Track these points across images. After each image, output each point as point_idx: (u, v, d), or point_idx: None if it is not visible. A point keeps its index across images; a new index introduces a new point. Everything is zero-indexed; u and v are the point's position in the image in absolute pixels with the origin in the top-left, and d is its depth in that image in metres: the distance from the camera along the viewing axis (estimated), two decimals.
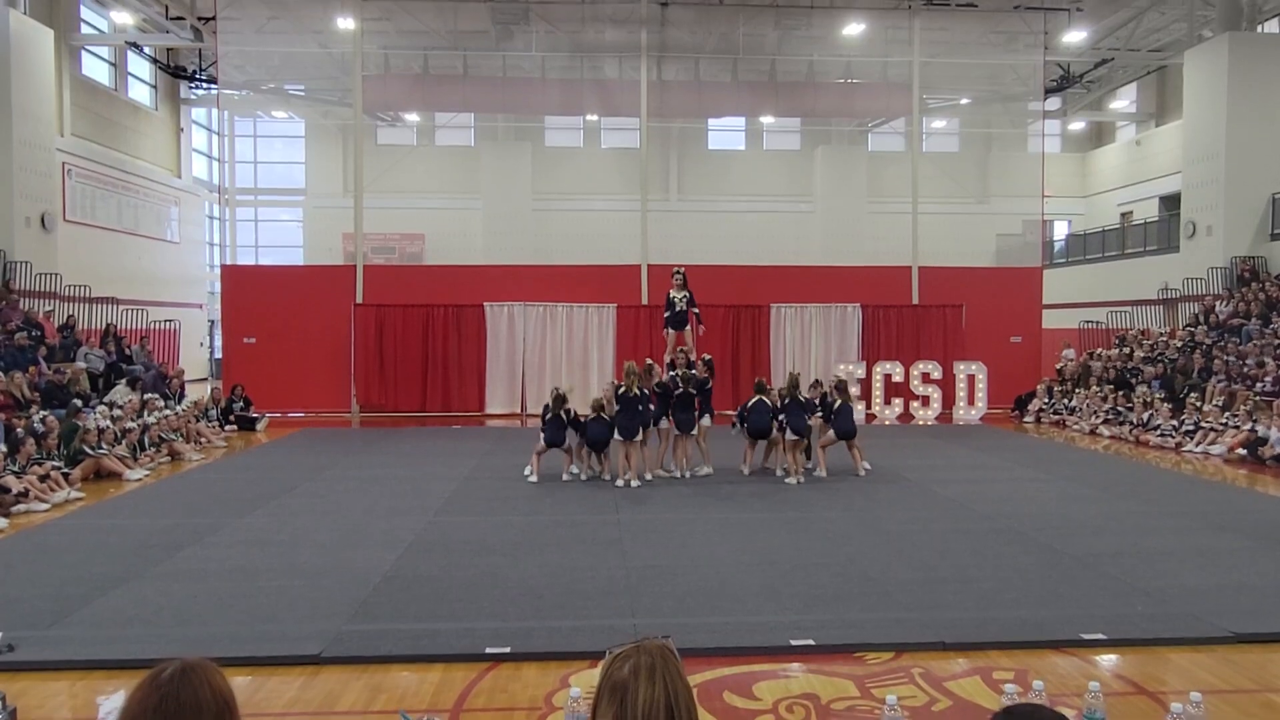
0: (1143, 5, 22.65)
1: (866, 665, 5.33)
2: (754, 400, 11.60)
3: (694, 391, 11.44)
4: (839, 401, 11.74)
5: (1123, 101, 31.12)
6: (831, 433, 11.77)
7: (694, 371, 11.60)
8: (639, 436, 11.04)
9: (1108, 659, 5.47)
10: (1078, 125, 32.56)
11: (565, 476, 11.28)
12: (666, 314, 13.44)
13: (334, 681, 5.12)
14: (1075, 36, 22.72)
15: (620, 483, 10.95)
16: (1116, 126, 32.11)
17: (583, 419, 11.27)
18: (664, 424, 11.58)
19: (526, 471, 11.35)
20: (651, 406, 11.29)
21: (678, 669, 1.98)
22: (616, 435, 11.01)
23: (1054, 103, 28.19)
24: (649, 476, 11.26)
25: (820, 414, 11.93)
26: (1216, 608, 6.14)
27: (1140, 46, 25.03)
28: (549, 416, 11.20)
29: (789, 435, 11.27)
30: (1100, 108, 30.97)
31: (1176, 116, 25.26)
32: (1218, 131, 20.71)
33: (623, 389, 11.01)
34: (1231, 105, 20.38)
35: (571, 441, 11.37)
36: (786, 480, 11.14)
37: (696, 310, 13.29)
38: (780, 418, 11.38)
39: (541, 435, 11.22)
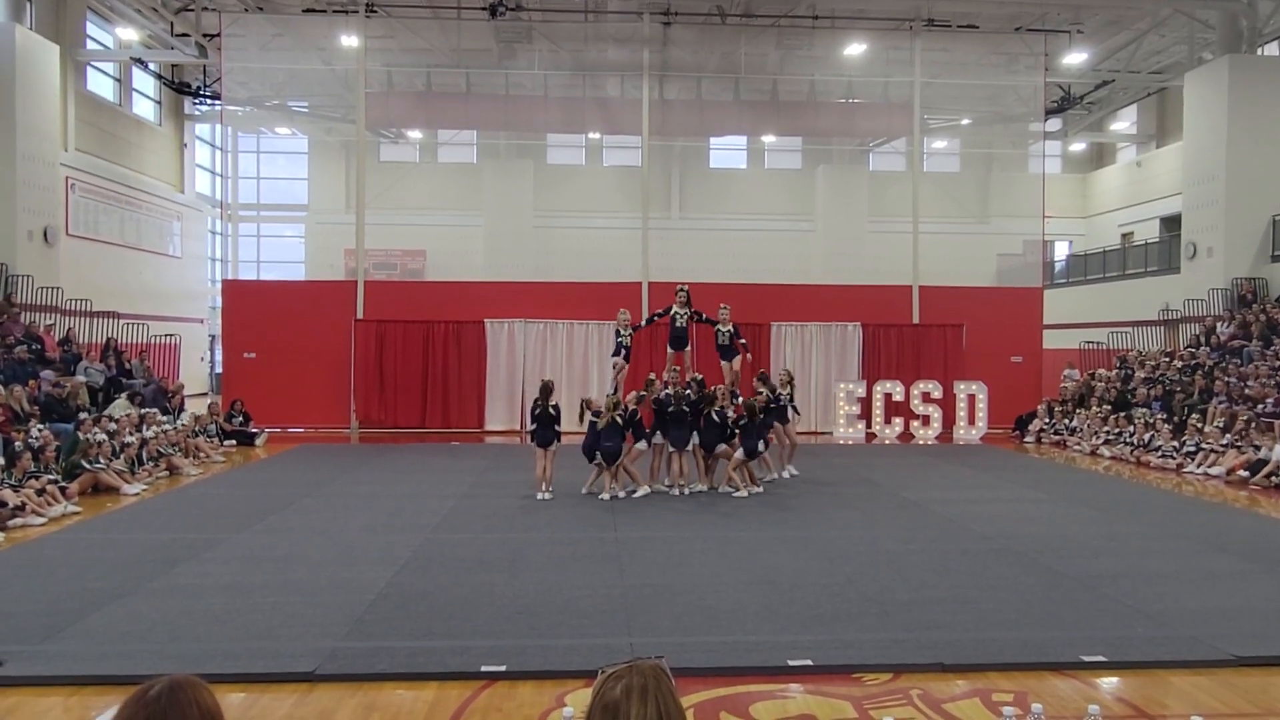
0: (1143, 28, 22.76)
1: (864, 686, 5.28)
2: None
3: (687, 410, 11.51)
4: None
5: (1123, 123, 31.23)
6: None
7: (688, 391, 11.66)
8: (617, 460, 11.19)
9: (1108, 681, 5.43)
10: (1078, 146, 32.65)
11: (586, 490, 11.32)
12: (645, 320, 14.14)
13: (328, 699, 5.08)
14: (1076, 58, 22.82)
15: (606, 495, 11.09)
16: (1117, 148, 32.21)
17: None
18: (658, 440, 11.68)
19: (538, 496, 11.07)
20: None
21: (670, 690, 1.96)
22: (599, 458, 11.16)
23: (1054, 124, 28.27)
24: (623, 494, 11.30)
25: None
26: (1218, 630, 6.10)
27: (1141, 68, 25.13)
28: (537, 411, 11.18)
29: (739, 454, 11.45)
30: (1101, 129, 31.07)
31: (1177, 138, 25.35)
32: (1218, 153, 20.76)
33: (600, 416, 11.10)
34: (1232, 127, 20.44)
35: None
36: (735, 494, 11.36)
37: (744, 341, 13.53)
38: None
39: (532, 440, 11.25)
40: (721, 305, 13.48)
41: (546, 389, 11.30)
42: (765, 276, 21.77)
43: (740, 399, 12.00)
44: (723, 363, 13.40)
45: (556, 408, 11.27)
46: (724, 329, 13.25)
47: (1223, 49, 21.02)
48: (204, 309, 28.76)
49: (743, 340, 13.51)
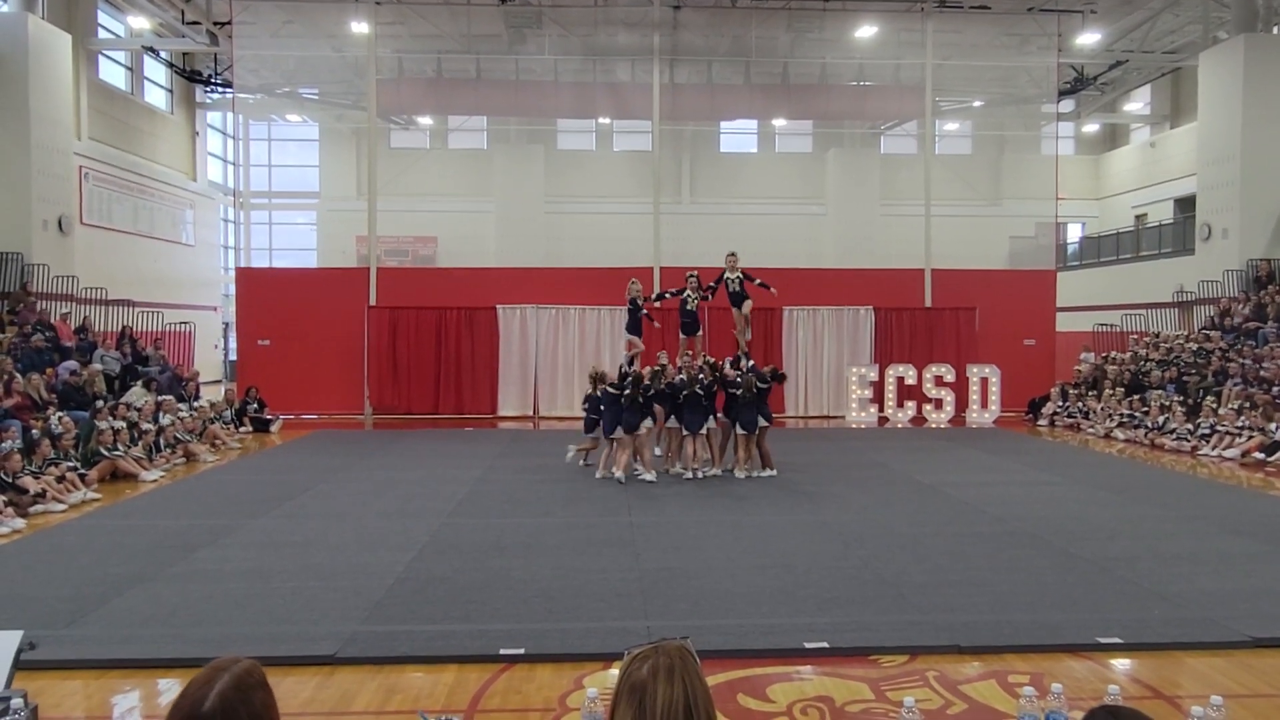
0: (1157, 7, 22.54)
1: (881, 668, 5.32)
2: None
3: (701, 393, 11.56)
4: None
5: (1137, 103, 30.95)
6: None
7: (700, 375, 11.70)
8: (616, 434, 11.42)
9: (1124, 663, 5.45)
10: (1091, 127, 32.39)
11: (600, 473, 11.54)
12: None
13: (349, 682, 5.14)
14: (1089, 38, 22.61)
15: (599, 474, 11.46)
16: (1131, 128, 31.94)
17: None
18: (671, 424, 11.80)
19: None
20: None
21: (696, 670, 1.98)
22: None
23: (1068, 105, 28.04)
24: (620, 475, 11.46)
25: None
26: (1234, 612, 6.11)
27: (1155, 48, 24.90)
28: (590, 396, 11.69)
29: (739, 430, 11.64)
30: (1114, 110, 30.81)
31: (1191, 118, 25.12)
32: (1233, 133, 20.58)
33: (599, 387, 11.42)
34: (1247, 107, 20.25)
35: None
36: (737, 474, 11.63)
37: (757, 280, 13.29)
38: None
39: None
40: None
41: (596, 378, 11.78)
42: (776, 260, 21.63)
43: (748, 361, 12.32)
44: (734, 309, 13.36)
45: (600, 395, 11.55)
46: (732, 276, 13.21)
47: (1238, 28, 20.80)
48: (217, 296, 28.88)
49: (758, 281, 13.28)
